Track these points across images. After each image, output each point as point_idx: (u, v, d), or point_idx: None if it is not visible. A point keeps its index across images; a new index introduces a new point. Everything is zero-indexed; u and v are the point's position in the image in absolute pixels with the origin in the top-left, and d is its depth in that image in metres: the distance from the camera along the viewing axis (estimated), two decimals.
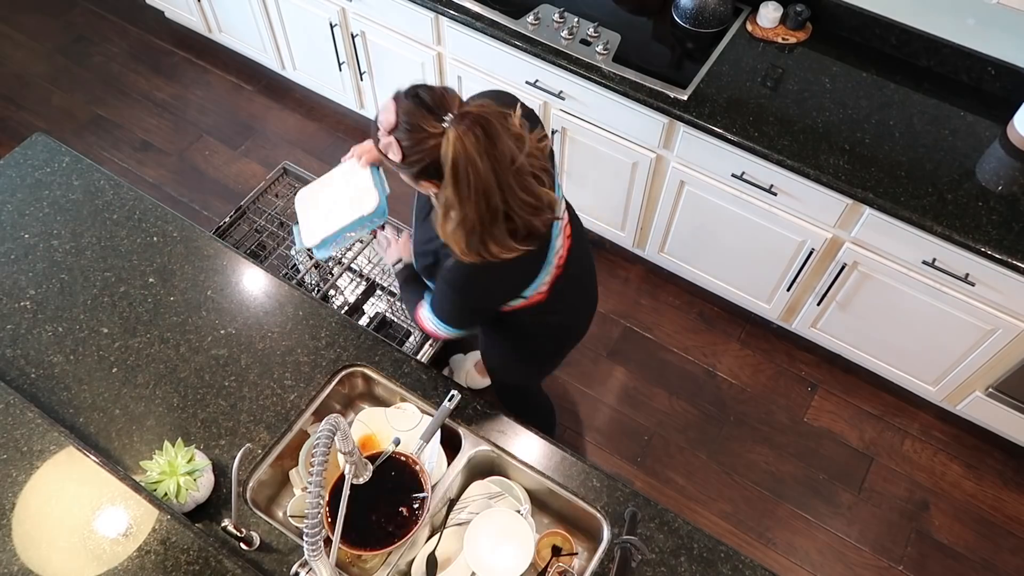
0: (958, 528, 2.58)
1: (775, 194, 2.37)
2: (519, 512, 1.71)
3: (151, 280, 2.01)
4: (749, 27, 2.54)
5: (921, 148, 2.27)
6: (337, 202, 1.90)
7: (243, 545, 1.62)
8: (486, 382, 2.74)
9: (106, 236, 2.09)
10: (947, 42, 2.37)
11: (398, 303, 2.62)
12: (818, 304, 2.61)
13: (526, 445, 1.78)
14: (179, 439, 1.75)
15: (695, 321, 3.00)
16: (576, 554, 1.74)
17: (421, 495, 1.65)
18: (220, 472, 1.72)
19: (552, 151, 1.62)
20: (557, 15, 2.53)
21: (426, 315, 1.73)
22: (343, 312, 2.48)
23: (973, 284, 2.21)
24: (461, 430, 1.79)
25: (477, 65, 2.73)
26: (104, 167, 2.51)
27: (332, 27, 2.99)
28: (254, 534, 1.63)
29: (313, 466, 1.24)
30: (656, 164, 2.58)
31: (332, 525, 1.62)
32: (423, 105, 1.37)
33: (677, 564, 1.64)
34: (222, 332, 1.93)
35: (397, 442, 1.69)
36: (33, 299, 1.97)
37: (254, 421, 1.80)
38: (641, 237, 2.92)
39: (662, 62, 2.46)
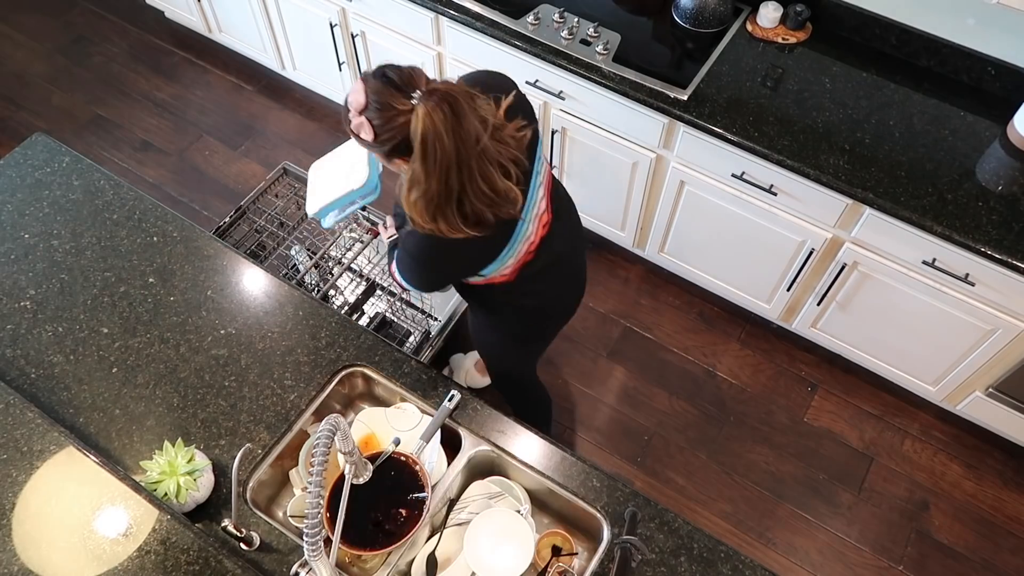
0: (958, 528, 2.58)
1: (775, 194, 2.37)
2: (519, 512, 1.71)
3: (151, 280, 2.01)
4: (749, 27, 2.54)
5: (921, 148, 2.27)
6: (337, 174, 1.96)
7: (243, 545, 1.62)
8: (486, 381, 2.74)
9: (106, 236, 2.09)
10: (947, 42, 2.37)
11: (398, 303, 2.63)
12: (818, 304, 2.61)
13: (526, 445, 1.78)
14: (179, 439, 1.75)
15: (695, 321, 3.00)
16: (576, 554, 1.74)
17: (421, 495, 1.65)
18: (220, 472, 1.72)
19: (536, 146, 1.63)
20: (557, 15, 2.53)
21: (394, 268, 1.78)
22: (343, 312, 2.48)
23: (973, 284, 2.21)
24: (461, 430, 1.79)
25: (477, 65, 2.73)
26: (104, 167, 2.51)
27: (332, 27, 2.99)
28: (254, 534, 1.63)
29: (313, 466, 1.24)
30: (656, 164, 2.58)
31: (332, 525, 1.62)
32: (391, 84, 1.41)
33: (677, 564, 1.64)
34: (222, 332, 1.93)
35: (397, 442, 1.69)
36: (33, 299, 1.97)
37: (254, 421, 1.80)
38: (641, 237, 2.92)
39: (662, 62, 2.46)
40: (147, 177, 3.39)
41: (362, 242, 2.68)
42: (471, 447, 1.78)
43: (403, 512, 1.64)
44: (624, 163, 2.64)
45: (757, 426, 2.77)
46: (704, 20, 2.51)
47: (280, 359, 1.89)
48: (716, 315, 3.01)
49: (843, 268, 2.42)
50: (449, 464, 1.76)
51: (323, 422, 1.28)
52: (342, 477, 1.62)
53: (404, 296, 2.64)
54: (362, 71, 3.11)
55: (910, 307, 2.41)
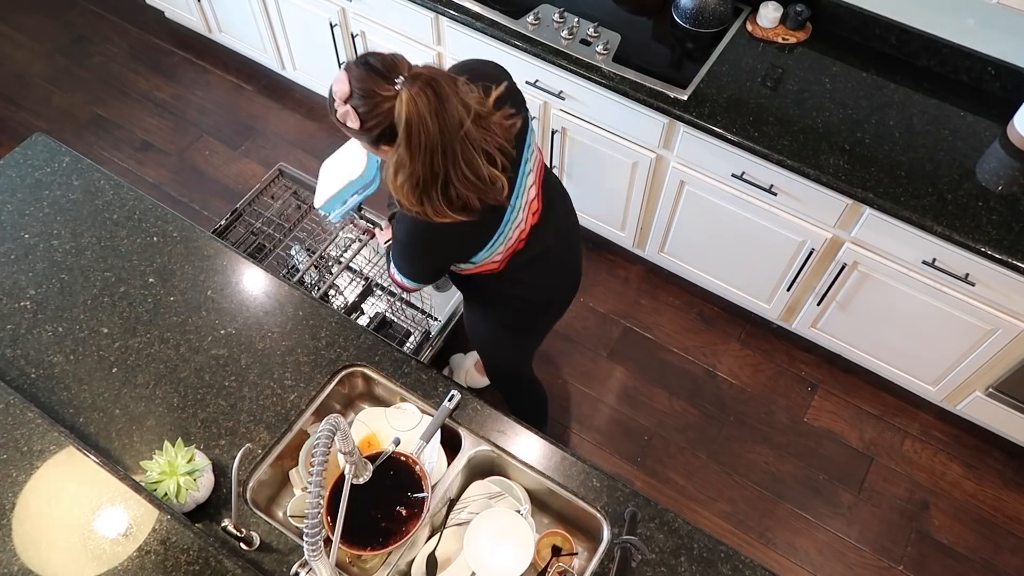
0: (958, 528, 2.58)
1: (775, 194, 2.37)
2: (519, 512, 1.71)
3: (151, 280, 2.01)
4: (749, 27, 2.54)
5: (921, 148, 2.27)
6: (341, 168, 1.99)
7: (243, 545, 1.62)
8: (486, 382, 2.74)
9: (106, 236, 2.09)
10: (947, 42, 2.37)
11: (398, 303, 2.63)
12: (818, 304, 2.61)
13: (526, 445, 1.78)
14: (179, 439, 1.75)
15: (695, 321, 3.00)
16: (576, 554, 1.74)
17: (421, 495, 1.65)
18: (220, 472, 1.72)
19: (525, 135, 1.64)
20: (557, 15, 2.53)
21: (392, 268, 1.79)
22: (343, 312, 2.48)
23: (973, 284, 2.21)
24: (461, 430, 1.79)
25: None
26: (104, 167, 2.51)
27: (332, 27, 2.99)
28: (254, 534, 1.63)
29: (313, 466, 1.24)
30: (656, 164, 2.58)
31: (332, 525, 1.62)
32: (374, 71, 1.43)
33: (677, 564, 1.64)
34: (222, 332, 1.93)
35: (397, 442, 1.69)
36: (33, 299, 1.97)
37: (254, 421, 1.80)
38: (641, 237, 2.92)
39: (662, 62, 2.46)
40: (147, 177, 3.39)
41: (360, 241, 2.68)
42: (471, 447, 1.78)
43: (403, 512, 1.64)
44: (624, 163, 2.64)
45: (757, 426, 2.77)
46: (704, 20, 2.51)
47: (280, 359, 1.89)
48: (716, 315, 3.01)
49: (843, 268, 2.42)
50: (449, 464, 1.76)
51: (323, 422, 1.28)
52: (342, 477, 1.62)
53: (405, 296, 2.64)
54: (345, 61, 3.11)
55: (910, 307, 2.41)
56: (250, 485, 1.72)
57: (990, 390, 2.50)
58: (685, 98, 2.36)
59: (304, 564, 1.57)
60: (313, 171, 3.32)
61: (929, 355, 2.53)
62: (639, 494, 1.72)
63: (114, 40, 3.87)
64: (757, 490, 2.64)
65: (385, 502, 1.65)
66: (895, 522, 2.59)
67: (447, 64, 2.83)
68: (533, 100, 2.67)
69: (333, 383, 1.87)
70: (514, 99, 1.61)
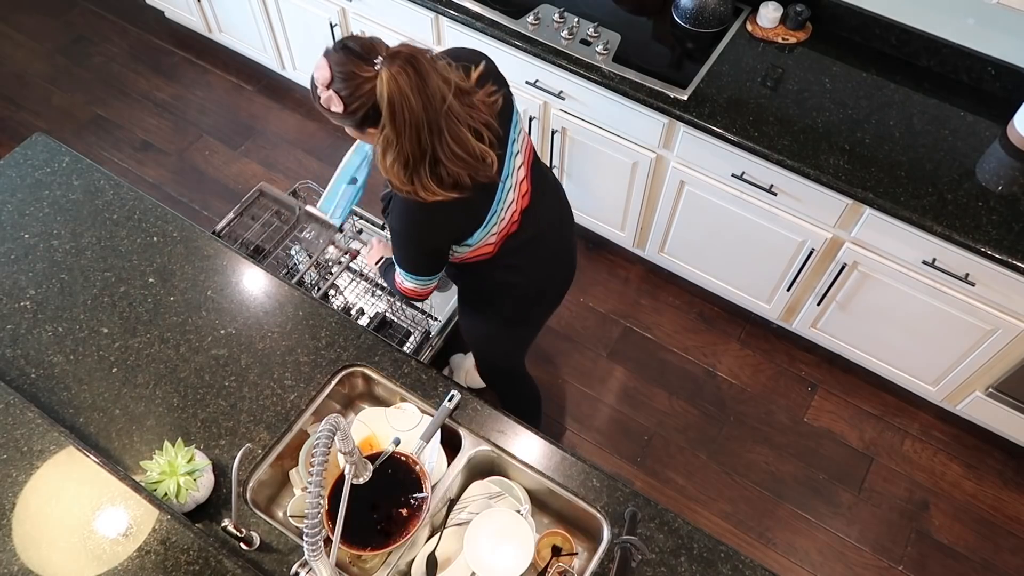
0: (958, 528, 2.58)
1: (775, 194, 2.37)
2: (519, 512, 1.71)
3: (151, 280, 2.01)
4: (749, 27, 2.54)
5: (921, 148, 2.27)
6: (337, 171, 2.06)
7: (243, 545, 1.62)
8: None
9: (106, 236, 2.09)
10: (947, 42, 2.37)
11: (398, 303, 2.63)
12: (818, 304, 2.61)
13: (526, 445, 1.78)
14: (179, 439, 1.75)
15: (695, 321, 3.00)
16: (576, 554, 1.74)
17: (421, 495, 1.65)
18: (220, 472, 1.72)
19: (510, 113, 1.66)
20: (557, 15, 2.53)
21: (397, 275, 1.81)
22: (343, 312, 2.47)
23: (973, 284, 2.21)
24: (461, 430, 1.79)
25: None
26: (104, 167, 2.51)
27: (332, 27, 2.99)
28: (254, 534, 1.63)
29: (313, 466, 1.24)
30: (656, 164, 2.58)
31: (332, 525, 1.62)
32: (353, 53, 1.45)
33: (677, 564, 1.64)
34: (222, 332, 1.93)
35: (397, 442, 1.69)
36: (33, 299, 1.97)
37: (254, 421, 1.80)
38: (641, 237, 2.92)
39: (662, 62, 2.46)
40: (147, 177, 3.39)
41: (363, 243, 2.68)
42: (471, 447, 1.78)
43: (403, 512, 1.64)
44: (624, 163, 2.64)
45: (757, 426, 2.77)
46: (704, 20, 2.51)
47: (280, 359, 1.89)
48: (716, 315, 3.01)
49: (843, 268, 2.42)
50: (449, 464, 1.76)
51: (323, 422, 1.28)
52: (342, 477, 1.62)
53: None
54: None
55: (910, 307, 2.41)
56: (250, 485, 1.72)
57: (990, 390, 2.50)
58: (685, 98, 2.36)
59: (304, 564, 1.57)
60: (314, 170, 3.33)
61: (929, 355, 2.53)
62: (639, 494, 1.72)
63: (114, 40, 3.87)
64: (757, 490, 2.64)
65: (385, 502, 1.65)
66: (895, 522, 2.59)
67: None
68: (533, 100, 2.67)
69: (333, 383, 1.87)
70: (495, 78, 1.63)
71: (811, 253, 2.46)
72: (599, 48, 2.46)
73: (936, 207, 2.14)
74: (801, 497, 2.63)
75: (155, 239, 2.09)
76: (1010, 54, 2.31)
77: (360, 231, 2.70)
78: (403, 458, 1.69)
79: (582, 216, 3.00)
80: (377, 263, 2.02)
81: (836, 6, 2.48)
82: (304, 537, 1.24)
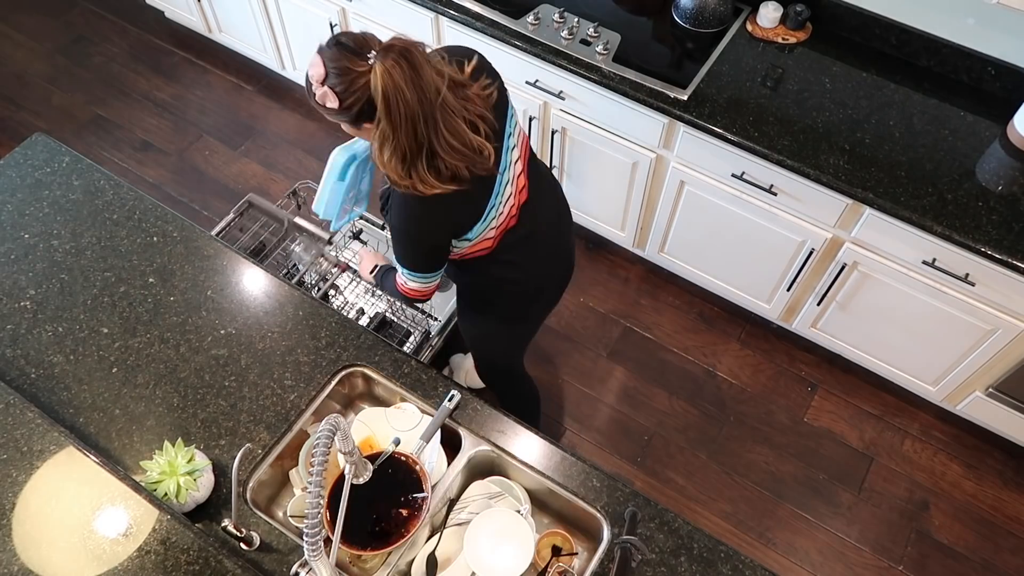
0: (958, 528, 2.58)
1: (775, 194, 2.37)
2: (519, 512, 1.71)
3: (151, 280, 2.01)
4: (749, 27, 2.54)
5: (921, 148, 2.27)
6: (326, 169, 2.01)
7: (243, 545, 1.62)
8: None
9: (106, 236, 2.09)
10: (947, 42, 2.37)
11: (397, 303, 2.63)
12: (818, 304, 2.61)
13: (526, 445, 1.78)
14: (179, 439, 1.75)
15: (695, 321, 3.00)
16: (576, 554, 1.74)
17: (421, 495, 1.65)
18: (220, 472, 1.72)
19: (505, 107, 1.66)
20: (557, 15, 2.53)
21: (399, 276, 1.80)
22: (343, 312, 2.47)
23: (973, 284, 2.21)
24: (461, 430, 1.79)
25: None
26: (104, 167, 2.51)
27: (332, 27, 2.99)
28: (254, 534, 1.63)
29: (313, 466, 1.24)
30: (656, 164, 2.58)
31: (332, 525, 1.62)
32: (347, 49, 1.46)
33: (677, 564, 1.64)
34: (222, 332, 1.93)
35: (397, 442, 1.69)
36: (33, 299, 1.97)
37: (254, 421, 1.80)
38: (641, 237, 2.92)
39: (662, 62, 2.46)
40: (147, 177, 3.39)
41: (364, 243, 2.68)
42: (471, 447, 1.78)
43: (403, 512, 1.64)
44: (624, 163, 2.64)
45: (757, 426, 2.77)
46: (704, 20, 2.51)
47: (280, 359, 1.89)
48: (716, 315, 3.01)
49: (843, 268, 2.42)
50: (449, 464, 1.76)
51: (323, 422, 1.28)
52: (342, 477, 1.62)
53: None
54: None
55: (910, 307, 2.41)
56: (250, 485, 1.72)
57: (990, 390, 2.50)
58: (685, 98, 2.36)
59: (304, 564, 1.57)
60: (313, 171, 3.33)
61: (929, 355, 2.53)
62: (639, 494, 1.72)
63: (114, 40, 3.87)
64: (757, 490, 2.64)
65: (385, 502, 1.65)
66: (895, 522, 2.59)
67: None
68: (533, 100, 2.67)
69: (333, 383, 1.87)
70: (489, 72, 1.64)
71: (811, 253, 2.46)
72: (599, 48, 2.46)
73: (936, 207, 2.14)
74: (801, 497, 2.63)
75: (155, 239, 2.09)
76: (1010, 54, 2.31)
77: (360, 232, 2.70)
78: (403, 458, 1.69)
79: (582, 216, 3.01)
80: (372, 272, 2.02)
81: (836, 6, 2.48)
82: (304, 537, 1.24)
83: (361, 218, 2.75)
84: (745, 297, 2.83)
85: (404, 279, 1.78)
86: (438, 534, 1.71)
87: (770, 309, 2.80)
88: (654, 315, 3.01)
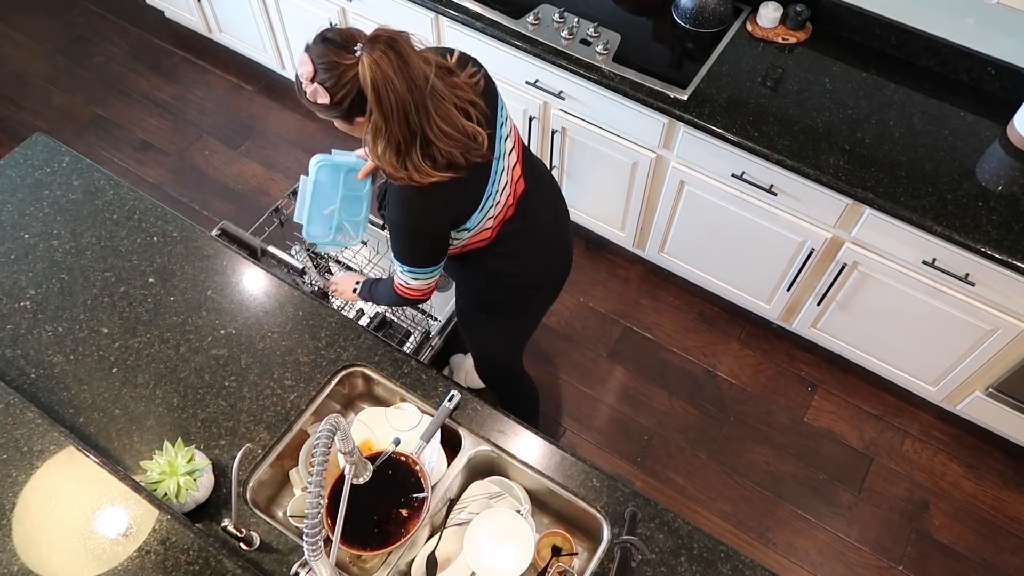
0: (958, 528, 2.58)
1: (775, 194, 2.37)
2: (519, 512, 1.71)
3: (151, 280, 2.01)
4: (749, 27, 2.54)
5: (921, 148, 2.27)
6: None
7: (243, 545, 1.62)
8: None
9: (106, 236, 2.09)
10: (947, 42, 2.37)
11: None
12: (818, 304, 2.61)
13: (526, 445, 1.78)
14: (179, 439, 1.75)
15: (695, 321, 3.00)
16: (576, 554, 1.74)
17: (421, 495, 1.65)
18: (220, 472, 1.72)
19: (494, 94, 1.67)
20: (557, 15, 2.53)
21: (397, 276, 1.79)
22: (343, 312, 2.47)
23: (973, 284, 2.21)
24: (461, 430, 1.79)
25: None
26: (104, 167, 2.51)
27: (332, 27, 2.98)
28: (254, 534, 1.63)
29: (313, 466, 1.24)
30: (656, 164, 2.58)
31: (332, 525, 1.62)
32: (333, 43, 1.47)
33: (677, 564, 1.64)
34: (222, 332, 1.93)
35: (397, 442, 1.69)
36: (33, 299, 1.97)
37: (254, 421, 1.80)
38: (641, 237, 2.92)
39: (662, 62, 2.46)
40: (147, 177, 3.39)
41: (365, 243, 2.68)
42: (471, 447, 1.78)
43: (403, 512, 1.64)
44: (624, 163, 2.64)
45: (757, 426, 2.77)
46: (704, 20, 2.51)
47: (280, 359, 1.89)
48: (716, 315, 3.01)
49: (843, 268, 2.42)
50: (449, 464, 1.76)
51: (323, 422, 1.28)
52: (342, 477, 1.62)
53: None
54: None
55: (910, 307, 2.41)
56: (250, 485, 1.72)
57: (990, 390, 2.50)
58: (685, 98, 2.36)
59: (304, 564, 1.57)
60: None
61: (929, 355, 2.53)
62: (639, 494, 1.72)
63: (114, 40, 3.87)
64: (757, 490, 2.64)
65: (385, 502, 1.65)
66: (895, 522, 2.59)
67: None
68: (533, 100, 2.67)
69: (333, 383, 1.87)
70: (473, 61, 1.66)
71: (811, 253, 2.46)
72: (599, 48, 2.46)
73: (936, 207, 2.14)
74: (801, 497, 2.63)
75: (155, 239, 2.09)
76: (1010, 54, 2.31)
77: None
78: (403, 458, 1.69)
79: (582, 216, 3.01)
80: (356, 291, 2.02)
81: (836, 6, 2.48)
82: (304, 537, 1.24)
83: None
84: (745, 297, 2.83)
85: (404, 278, 1.77)
86: (438, 534, 1.71)
87: (770, 309, 2.80)
88: (654, 315, 3.01)
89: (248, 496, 1.71)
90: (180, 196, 3.33)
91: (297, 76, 1.52)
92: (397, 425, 1.81)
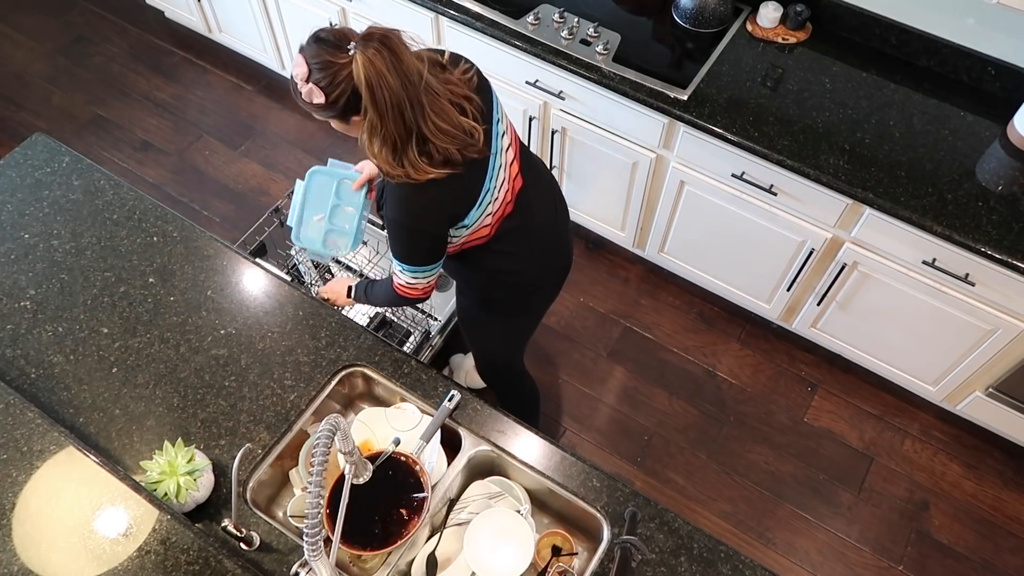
0: (958, 528, 2.58)
1: (775, 194, 2.37)
2: (519, 512, 1.71)
3: (151, 280, 2.01)
4: (749, 27, 2.54)
5: (921, 148, 2.27)
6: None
7: (243, 545, 1.62)
8: None
9: (106, 236, 2.09)
10: (947, 42, 2.37)
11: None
12: (818, 304, 2.61)
13: (526, 445, 1.78)
14: (179, 439, 1.75)
15: (695, 321, 3.00)
16: (576, 554, 1.74)
17: (421, 495, 1.65)
18: (220, 472, 1.72)
19: (488, 90, 1.68)
20: (557, 15, 2.53)
21: (396, 276, 1.78)
22: (343, 312, 2.47)
23: (973, 284, 2.21)
24: (461, 430, 1.79)
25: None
26: (104, 167, 2.51)
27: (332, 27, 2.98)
28: (254, 534, 1.63)
29: (313, 466, 1.24)
30: (656, 164, 2.58)
31: (332, 525, 1.62)
32: (326, 43, 1.49)
33: (677, 564, 1.64)
34: (222, 332, 1.93)
35: (397, 442, 1.69)
36: (33, 299, 1.97)
37: (254, 421, 1.80)
38: (641, 237, 2.92)
39: (662, 62, 2.46)
40: (147, 177, 3.39)
41: (365, 243, 2.68)
42: (471, 447, 1.78)
43: (403, 512, 1.64)
44: (624, 163, 2.64)
45: (757, 426, 2.77)
46: (704, 20, 2.51)
47: (280, 359, 1.89)
48: (716, 315, 3.01)
49: (843, 268, 2.42)
50: (449, 464, 1.76)
51: (323, 422, 1.28)
52: (342, 477, 1.62)
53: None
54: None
55: (910, 307, 2.41)
56: (250, 485, 1.72)
57: (990, 390, 2.50)
58: (685, 98, 2.36)
59: (304, 564, 1.57)
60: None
61: (929, 355, 2.53)
62: (639, 494, 1.72)
63: (114, 40, 3.87)
64: (757, 490, 2.64)
65: (385, 502, 1.65)
66: (895, 522, 2.59)
67: None
68: (533, 100, 2.67)
69: (333, 383, 1.87)
70: (465, 59, 1.67)
71: (811, 253, 2.46)
72: (599, 48, 2.46)
73: (936, 207, 2.14)
74: (801, 497, 2.63)
75: (155, 239, 2.09)
76: (1010, 54, 2.31)
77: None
78: (403, 458, 1.69)
79: (582, 216, 3.01)
80: (350, 296, 2.01)
81: (836, 6, 2.48)
82: (304, 537, 1.24)
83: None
84: (745, 297, 2.83)
85: (404, 278, 1.76)
86: (438, 534, 1.71)
87: (770, 309, 2.80)
88: (654, 315, 3.01)
89: (248, 496, 1.71)
90: (180, 196, 3.33)
91: (292, 78, 1.53)
92: (397, 425, 1.81)
